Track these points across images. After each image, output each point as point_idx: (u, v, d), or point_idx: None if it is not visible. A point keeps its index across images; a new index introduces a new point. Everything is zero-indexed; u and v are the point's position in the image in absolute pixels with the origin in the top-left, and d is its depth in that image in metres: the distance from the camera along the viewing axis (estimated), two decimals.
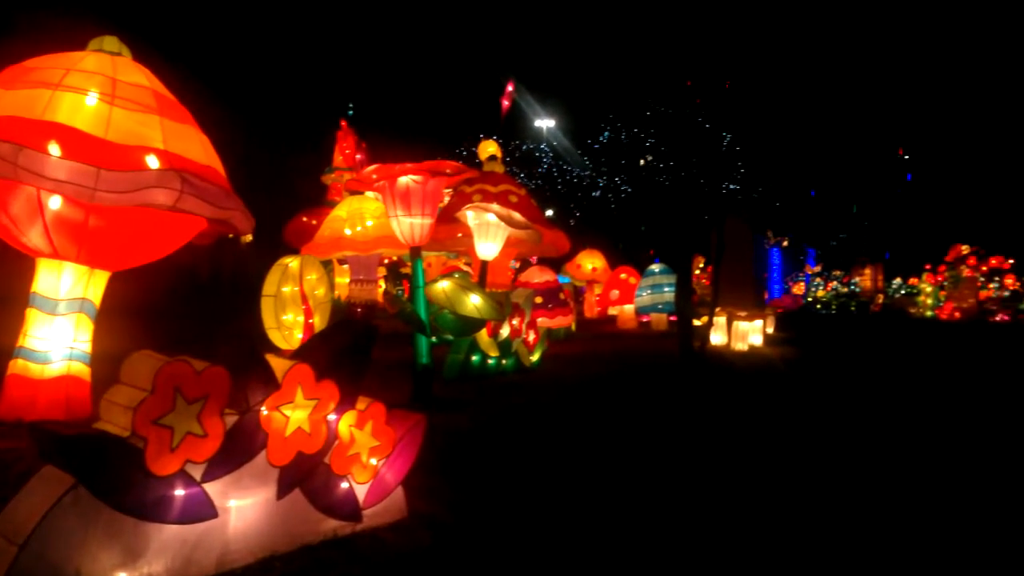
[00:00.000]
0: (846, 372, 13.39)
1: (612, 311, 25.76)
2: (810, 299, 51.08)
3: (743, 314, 17.31)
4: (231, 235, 7.58)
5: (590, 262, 26.87)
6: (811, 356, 16.12)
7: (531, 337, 11.95)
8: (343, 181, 20.97)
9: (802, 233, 47.55)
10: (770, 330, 21.04)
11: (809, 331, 25.03)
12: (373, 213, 13.56)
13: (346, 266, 19.54)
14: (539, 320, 12.59)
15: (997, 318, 38.14)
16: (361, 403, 4.02)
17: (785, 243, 48.58)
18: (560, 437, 6.99)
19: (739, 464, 6.12)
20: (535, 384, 10.47)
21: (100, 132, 5.92)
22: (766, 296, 42.21)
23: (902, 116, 44.62)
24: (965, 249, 43.59)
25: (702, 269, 28.06)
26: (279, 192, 23.91)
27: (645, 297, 23.40)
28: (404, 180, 8.05)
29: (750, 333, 17.27)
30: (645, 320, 24.43)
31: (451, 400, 8.79)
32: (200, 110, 7.19)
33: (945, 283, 43.73)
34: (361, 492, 4.05)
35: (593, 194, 34.32)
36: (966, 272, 43.08)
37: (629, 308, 24.58)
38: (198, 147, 6.66)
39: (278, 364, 3.62)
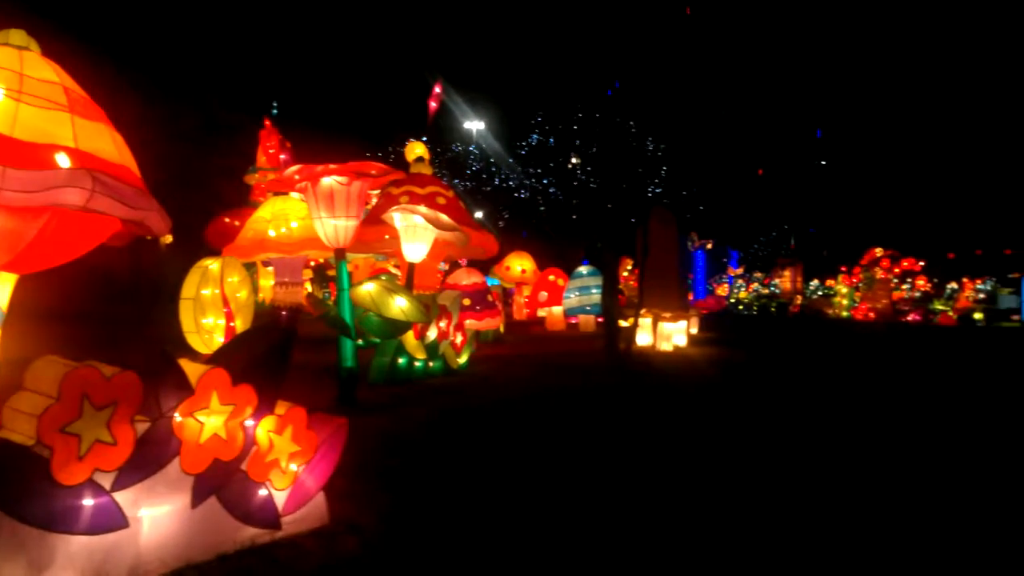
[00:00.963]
0: (766, 370, 13.78)
1: (541, 313, 25.91)
2: (733, 300, 52.34)
3: (668, 315, 17.64)
4: (148, 237, 7.35)
5: (519, 264, 26.95)
6: (732, 356, 16.52)
7: (459, 339, 11.94)
8: (267, 181, 20.56)
9: (725, 236, 48.71)
10: (694, 331, 21.50)
11: (732, 331, 25.66)
12: (298, 214, 13.33)
13: (270, 268, 19.16)
14: (467, 322, 12.59)
15: (909, 318, 39.75)
16: (280, 408, 3.96)
17: (709, 245, 49.66)
18: (487, 439, 7.01)
19: (662, 464, 6.24)
20: (462, 386, 10.47)
21: (6, 130, 5.66)
22: (691, 297, 43.12)
23: (820, 121, 46.24)
24: (879, 252, 45.32)
25: (630, 271, 28.47)
26: (200, 192, 23.28)
27: (573, 299, 23.61)
28: (328, 181, 7.95)
29: (675, 334, 17.61)
30: (573, 322, 24.65)
31: (377, 403, 8.73)
32: (115, 107, 6.95)
33: (860, 284, 45.38)
34: (280, 499, 3.99)
35: (521, 196, 34.53)
36: (880, 274, 44.83)
37: (557, 310, 24.77)
38: (111, 146, 6.43)
39: (193, 369, 3.54)
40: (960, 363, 16.62)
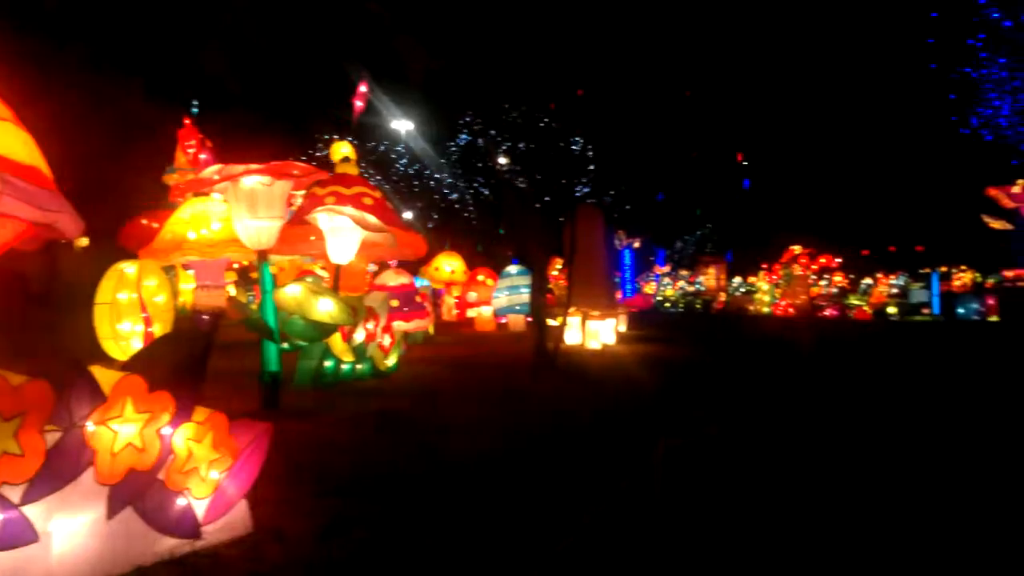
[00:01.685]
0: (690, 366, 14.09)
1: (471, 313, 25.93)
2: (660, 298, 53.34)
3: (596, 313, 17.88)
4: (62, 240, 7.09)
5: (448, 264, 26.91)
6: (659, 352, 16.84)
7: (387, 341, 11.86)
8: (185, 182, 19.97)
9: (652, 234, 49.55)
10: (623, 328, 21.84)
11: (658, 328, 26.14)
12: (220, 216, 13.01)
13: (191, 271, 18.64)
14: (395, 324, 12.51)
15: (826, 313, 41.20)
16: (199, 414, 3.87)
17: (637, 244, 50.46)
18: (415, 442, 6.98)
19: (586, 462, 6.32)
20: (391, 388, 10.41)
21: None
22: (619, 295, 43.73)
23: (740, 124, 47.50)
24: (797, 249, 46.86)
25: (560, 270, 28.68)
26: (116, 193, 22.47)
27: (502, 299, 23.72)
28: (249, 182, 7.79)
29: (603, 332, 17.86)
30: (503, 322, 24.74)
31: (302, 408, 8.60)
32: (24, 105, 6.66)
33: (780, 281, 46.88)
34: (201, 508, 3.90)
35: (450, 196, 34.46)
36: (798, 271, 46.37)
37: (487, 310, 24.83)
38: (19, 145, 6.17)
39: (106, 376, 3.43)
40: (875, 353, 17.32)
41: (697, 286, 56.06)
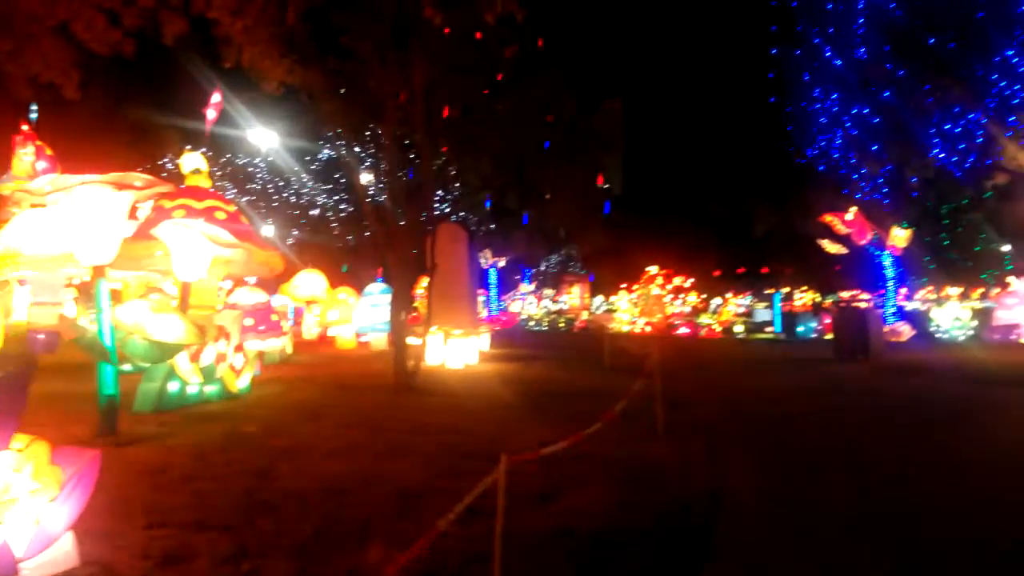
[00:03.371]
0: (548, 381, 14.36)
1: (331, 332, 25.40)
2: (525, 316, 54.02)
3: (459, 332, 17.93)
4: None
5: (309, 282, 26.29)
6: (520, 371, 17.08)
7: (239, 361, 11.44)
8: (20, 191, 18.57)
9: (517, 254, 50.25)
10: (486, 347, 21.98)
11: (522, 347, 26.47)
12: (57, 228, 12.20)
13: (27, 287, 17.32)
14: (248, 343, 12.11)
15: (681, 331, 43.04)
16: (19, 442, 3.62)
17: (502, 263, 51.02)
18: (262, 467, 6.75)
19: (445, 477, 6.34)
20: (241, 412, 10.03)
21: None
22: (483, 314, 44.02)
23: (601, 147, 49.33)
24: (654, 270, 48.80)
25: (426, 288, 28.44)
26: None
27: (364, 317, 23.37)
28: (85, 192, 7.36)
29: (465, 351, 17.92)
30: (365, 340, 24.39)
31: (142, 433, 8.16)
32: None
33: (638, 300, 48.64)
34: (21, 542, 3.64)
35: (311, 212, 33.63)
36: (655, 290, 48.30)
37: (349, 329, 24.42)
38: None
39: None
40: (711, 363, 18.29)
41: (561, 305, 57.20)
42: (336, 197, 32.07)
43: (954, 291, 38.40)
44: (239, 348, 11.45)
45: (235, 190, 32.66)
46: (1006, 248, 37.52)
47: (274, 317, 15.87)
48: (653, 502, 5.91)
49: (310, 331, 27.39)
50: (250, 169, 34.60)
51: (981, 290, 37.96)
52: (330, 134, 19.16)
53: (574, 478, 6.45)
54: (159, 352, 8.25)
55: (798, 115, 34.88)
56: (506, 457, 3.87)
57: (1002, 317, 31.51)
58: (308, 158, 30.85)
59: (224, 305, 14.40)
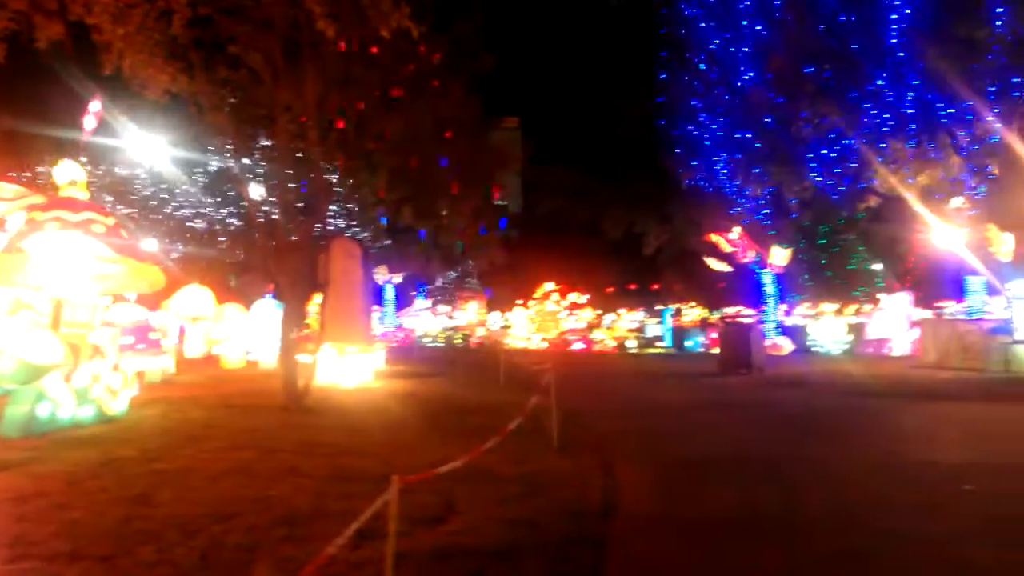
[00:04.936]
0: (442, 398, 14.26)
1: (218, 350, 24.47)
2: (421, 333, 53.60)
3: (352, 349, 17.58)
4: None
5: (195, 298, 25.28)
6: (414, 387, 16.90)
7: (116, 382, 10.83)
8: None
9: (413, 270, 49.91)
10: (381, 364, 21.63)
11: (418, 363, 26.23)
12: None
13: None
14: (127, 362, 11.50)
15: (576, 346, 43.72)
16: None
17: (398, 279, 50.56)
18: (138, 495, 6.39)
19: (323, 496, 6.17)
20: (118, 435, 9.46)
21: None
22: (379, 330, 43.44)
23: (499, 164, 49.96)
24: (550, 286, 49.49)
25: (319, 305, 27.69)
26: None
27: (255, 334, 22.62)
28: None
29: (359, 368, 17.59)
30: (253, 359, 23.59)
31: (7, 460, 7.59)
32: None
33: (534, 316, 49.17)
34: None
35: (198, 225, 32.35)
36: (550, 306, 48.96)
37: (237, 346, 23.58)
38: None
39: None
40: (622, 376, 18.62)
41: (457, 321, 57.13)
42: (225, 211, 30.97)
43: (830, 307, 40.57)
44: (116, 368, 10.85)
45: (115, 202, 31.08)
46: (877, 267, 40.01)
47: (154, 335, 15.17)
48: (548, 518, 5.93)
49: (195, 349, 26.31)
50: (132, 180, 33.00)
51: (855, 306, 40.19)
52: (219, 145, 18.45)
53: (469, 496, 6.41)
54: (28, 373, 7.71)
55: (687, 138, 36.17)
56: (397, 479, 3.79)
57: (874, 332, 33.55)
58: (196, 169, 29.61)
59: (100, 322, 13.66)
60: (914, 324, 30.80)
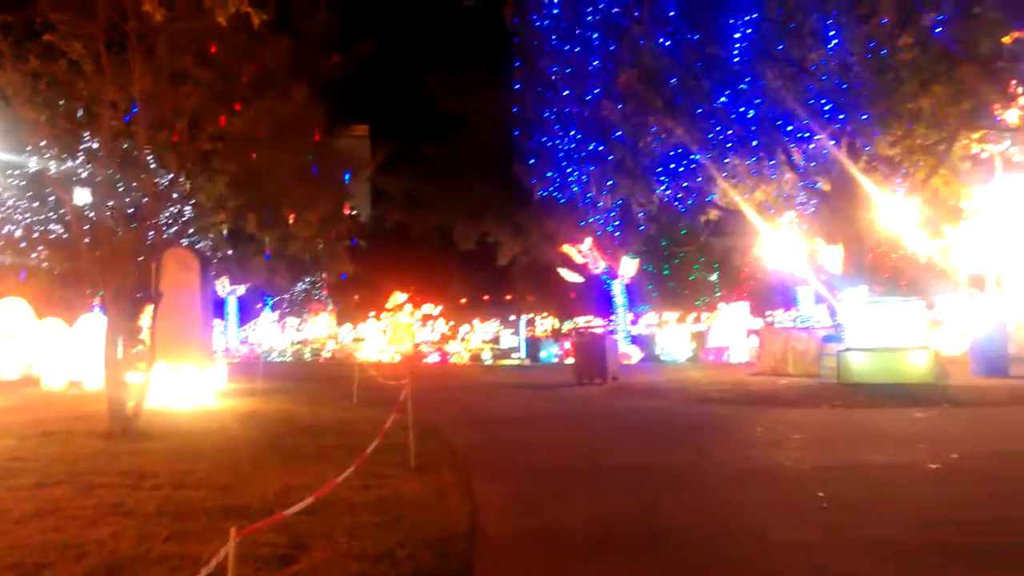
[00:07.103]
0: (287, 421, 13.40)
1: (36, 370, 22.25)
2: (267, 347, 51.42)
3: (189, 367, 16.34)
4: None
5: (9, 313, 23.08)
6: (258, 406, 15.86)
7: None
8: None
9: (258, 281, 47.74)
10: (222, 382, 20.30)
11: (263, 380, 24.88)
12: None
13: None
14: None
15: (430, 358, 43.09)
16: None
17: (241, 291, 48.38)
18: None
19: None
20: None
21: None
22: (221, 345, 41.20)
23: (348, 170, 48.96)
24: (402, 297, 48.84)
25: (151, 319, 25.71)
26: None
27: (79, 352, 20.68)
28: None
29: (196, 387, 16.36)
30: (76, 379, 21.54)
31: None
32: None
33: (387, 328, 48.26)
34: None
35: (16, 233, 29.20)
36: (404, 319, 48.25)
37: (59, 366, 21.47)
38: None
39: None
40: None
41: (306, 334, 55.27)
42: (43, 216, 28.23)
43: (672, 316, 42.29)
44: None
45: None
46: (715, 277, 42.10)
47: None
48: (407, 548, 5.44)
49: (10, 370, 23.82)
50: None
51: (695, 315, 42.06)
52: (35, 144, 16.61)
53: (319, 529, 5.80)
54: None
55: (540, 149, 36.55)
56: (235, 532, 3.17)
57: (714, 340, 35.14)
58: (11, 171, 26.78)
59: None
60: (751, 332, 32.38)
